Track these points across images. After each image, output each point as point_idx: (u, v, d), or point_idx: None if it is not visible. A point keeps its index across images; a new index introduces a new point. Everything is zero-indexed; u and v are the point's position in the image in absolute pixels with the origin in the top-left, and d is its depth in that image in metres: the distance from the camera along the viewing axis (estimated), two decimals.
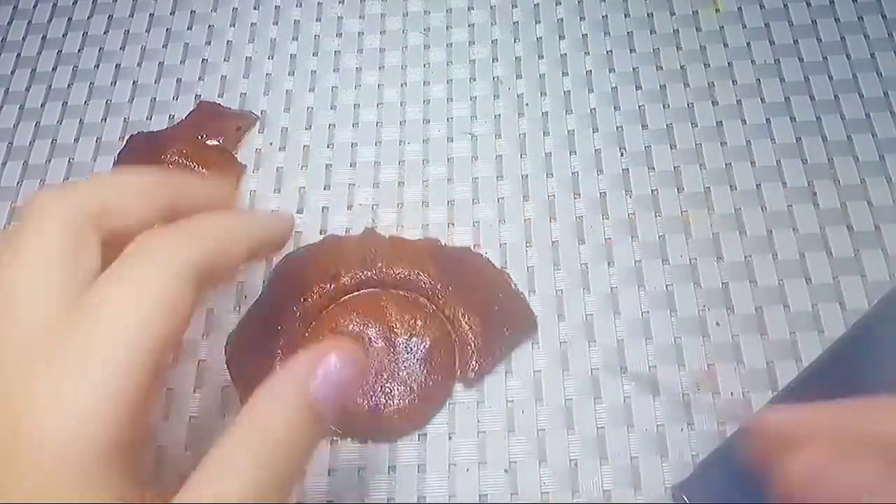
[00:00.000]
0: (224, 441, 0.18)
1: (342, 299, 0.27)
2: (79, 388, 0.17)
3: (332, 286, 0.27)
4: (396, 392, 0.25)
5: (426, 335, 0.26)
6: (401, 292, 0.27)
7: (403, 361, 0.26)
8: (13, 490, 0.16)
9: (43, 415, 0.16)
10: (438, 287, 0.27)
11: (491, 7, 0.35)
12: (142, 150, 0.31)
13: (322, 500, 0.24)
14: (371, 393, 0.25)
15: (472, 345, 0.26)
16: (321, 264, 0.28)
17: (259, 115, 0.32)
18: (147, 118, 0.33)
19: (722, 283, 0.27)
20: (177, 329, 0.18)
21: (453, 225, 0.29)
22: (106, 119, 0.33)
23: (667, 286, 0.27)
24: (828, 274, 0.27)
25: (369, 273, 0.28)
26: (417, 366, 0.26)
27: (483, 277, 0.28)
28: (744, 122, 0.31)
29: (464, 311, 0.27)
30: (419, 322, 0.27)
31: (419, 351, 0.26)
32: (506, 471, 0.24)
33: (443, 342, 0.26)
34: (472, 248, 0.28)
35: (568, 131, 0.31)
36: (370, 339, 0.26)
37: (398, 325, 0.27)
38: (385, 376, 0.26)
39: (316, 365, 0.19)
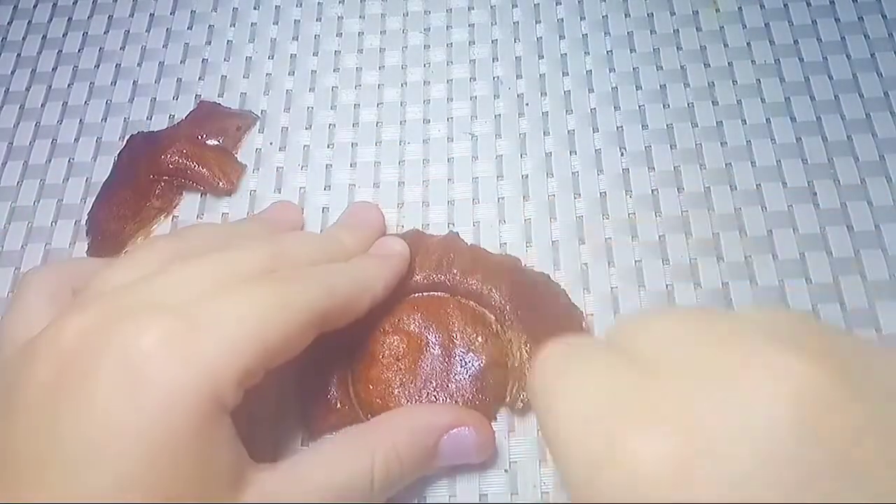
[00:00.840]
0: (350, 433, 0.23)
1: (410, 296, 0.27)
2: (209, 343, 0.19)
3: (404, 281, 0.26)
4: (442, 402, 0.25)
5: (483, 354, 0.25)
6: (470, 303, 0.26)
7: (455, 374, 0.25)
8: (140, 435, 0.17)
9: (167, 360, 0.18)
10: (507, 308, 0.26)
11: (491, 7, 0.35)
12: (142, 150, 0.31)
13: None
14: (417, 397, 0.25)
15: (527, 376, 0.25)
16: None
17: (259, 114, 0.32)
18: (147, 118, 0.33)
19: (722, 283, 0.27)
20: (290, 353, 0.21)
21: (453, 225, 0.29)
22: (106, 119, 0.33)
23: (667, 286, 0.27)
24: (828, 274, 0.27)
25: (443, 277, 0.27)
26: (468, 382, 0.25)
27: (554, 310, 0.26)
28: (744, 122, 0.31)
29: (526, 340, 0.25)
30: (479, 338, 0.26)
31: (473, 368, 0.25)
32: (506, 471, 0.24)
33: (498, 365, 0.25)
34: (552, 276, 0.27)
35: (568, 131, 0.31)
36: (428, 343, 0.26)
37: (458, 337, 0.26)
38: (434, 385, 0.25)
39: (454, 424, 0.23)
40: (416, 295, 0.27)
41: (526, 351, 0.25)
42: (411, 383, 0.25)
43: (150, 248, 0.22)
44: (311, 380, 0.25)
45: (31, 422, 0.18)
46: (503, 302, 0.26)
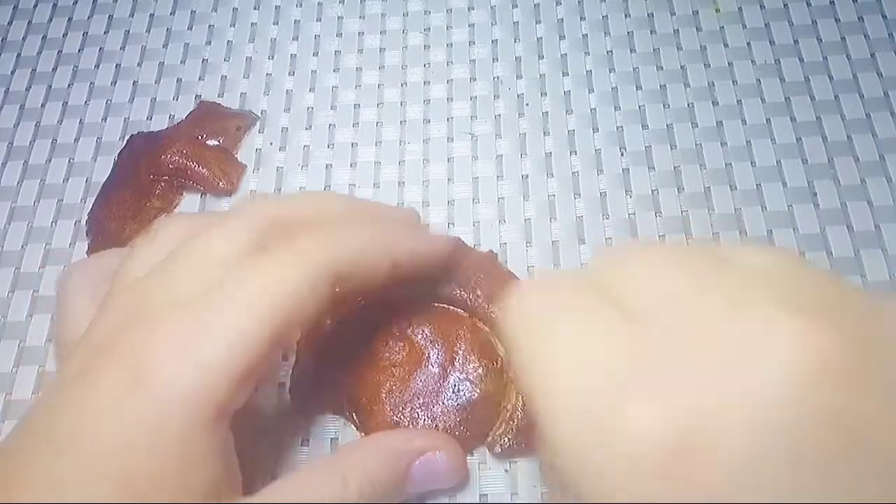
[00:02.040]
0: (322, 459, 0.22)
1: (428, 304, 0.25)
2: (205, 344, 0.18)
3: (429, 288, 0.25)
4: (422, 422, 0.24)
5: (479, 386, 0.24)
6: (485, 329, 0.25)
7: (444, 399, 0.24)
8: (125, 432, 0.17)
9: (167, 363, 0.18)
10: None
11: (491, 7, 0.35)
12: (142, 150, 0.31)
13: None
14: (400, 409, 0.24)
15: (515, 423, 0.24)
16: None
17: (259, 115, 0.33)
18: (147, 118, 0.33)
19: None
20: (301, 319, 0.20)
21: (453, 225, 0.29)
22: (106, 119, 0.33)
23: None
24: None
25: (466, 295, 0.25)
26: (454, 410, 0.24)
27: None
28: (744, 122, 0.31)
29: None
30: (481, 370, 0.24)
31: (464, 397, 0.24)
32: (506, 471, 0.24)
33: (490, 402, 0.24)
34: None
35: (568, 131, 0.31)
36: (428, 358, 0.25)
37: (460, 362, 0.24)
38: (420, 401, 0.24)
39: (427, 449, 0.22)
40: (436, 305, 0.26)
41: (523, 398, 0.24)
42: (399, 393, 0.24)
43: (163, 232, 0.22)
44: (310, 358, 0.25)
45: (39, 411, 0.19)
46: None
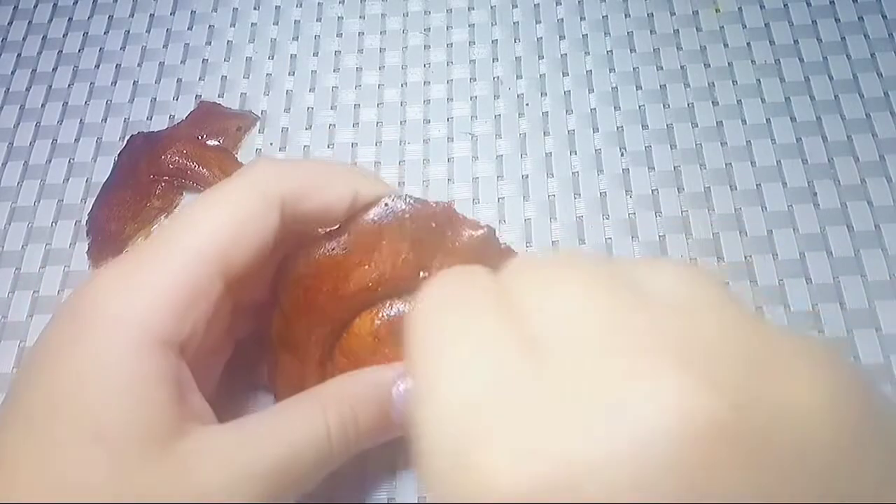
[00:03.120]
0: (298, 396, 0.21)
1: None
2: (141, 270, 0.19)
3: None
4: None
5: None
6: None
7: None
8: (73, 360, 0.18)
9: (110, 296, 0.18)
10: None
11: (491, 7, 0.35)
12: (142, 150, 0.31)
13: (323, 500, 0.24)
14: None
15: None
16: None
17: (259, 115, 0.33)
18: (147, 118, 0.33)
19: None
20: (249, 244, 0.20)
21: None
22: (106, 119, 0.33)
23: None
24: (828, 274, 0.27)
25: None
26: None
27: None
28: (744, 122, 0.31)
29: None
30: None
31: None
32: None
33: None
34: None
35: (568, 131, 0.31)
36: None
37: None
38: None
39: (403, 375, 0.21)
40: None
41: None
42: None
43: None
44: (288, 355, 0.23)
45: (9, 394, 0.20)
46: None
